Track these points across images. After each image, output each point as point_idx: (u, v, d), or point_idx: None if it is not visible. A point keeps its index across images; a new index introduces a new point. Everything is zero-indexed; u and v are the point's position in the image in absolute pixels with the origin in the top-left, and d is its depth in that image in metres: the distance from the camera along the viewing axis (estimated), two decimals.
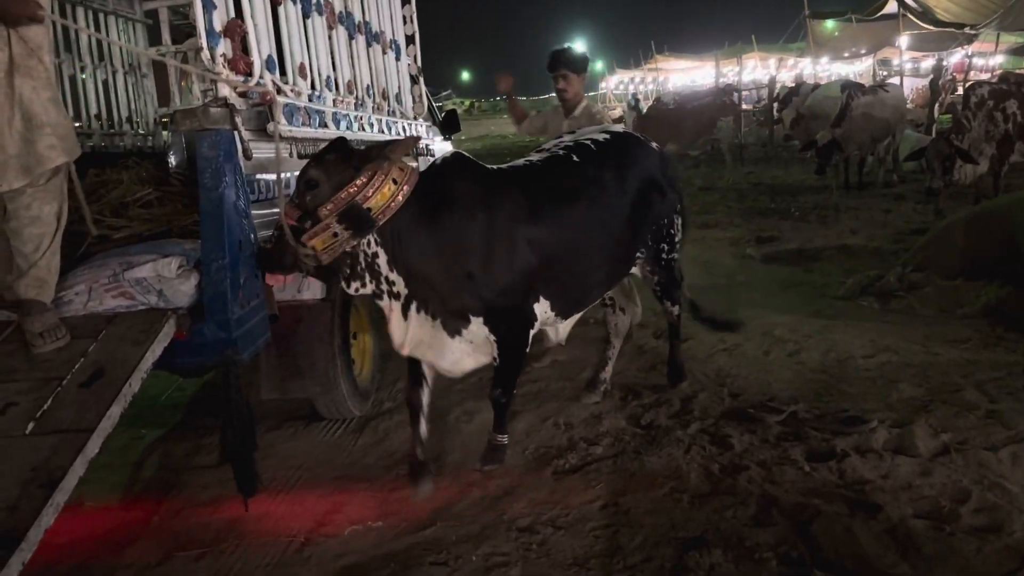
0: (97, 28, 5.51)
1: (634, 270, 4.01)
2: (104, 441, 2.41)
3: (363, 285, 3.09)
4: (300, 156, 3.60)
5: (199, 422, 4.53)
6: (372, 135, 4.58)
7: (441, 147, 7.11)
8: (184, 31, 5.71)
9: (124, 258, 2.93)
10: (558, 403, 4.24)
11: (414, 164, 3.11)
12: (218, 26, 3.07)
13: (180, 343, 2.86)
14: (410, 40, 5.85)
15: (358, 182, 2.86)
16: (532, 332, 3.35)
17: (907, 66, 23.58)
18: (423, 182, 3.06)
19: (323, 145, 3.09)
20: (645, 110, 17.70)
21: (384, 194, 2.88)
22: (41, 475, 2.17)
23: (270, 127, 3.20)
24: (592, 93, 64.74)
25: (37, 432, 2.33)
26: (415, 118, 5.81)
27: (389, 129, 4.94)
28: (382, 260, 3.02)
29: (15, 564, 1.92)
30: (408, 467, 3.46)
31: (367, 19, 4.95)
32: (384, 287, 3.10)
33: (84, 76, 5.36)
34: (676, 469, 3.40)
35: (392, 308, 3.14)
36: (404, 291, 3.10)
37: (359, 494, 3.50)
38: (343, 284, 3.11)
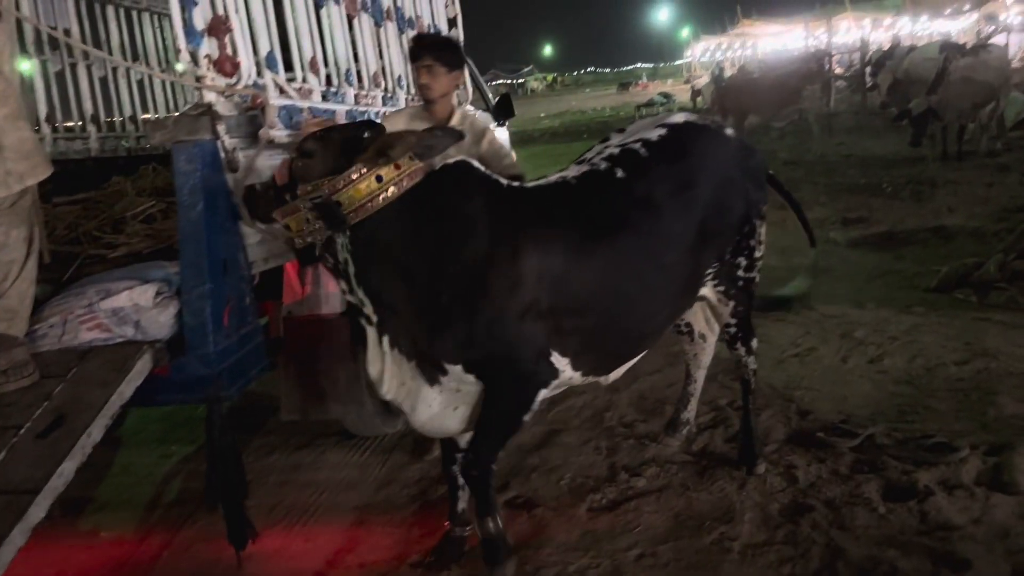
0: (129, 26, 5.38)
1: (705, 291, 3.18)
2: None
3: (347, 291, 2.58)
4: None
5: None
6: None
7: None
8: None
9: (102, 285, 2.68)
10: (603, 423, 3.85)
11: (418, 165, 2.59)
12: (200, 24, 2.77)
13: (160, 379, 2.60)
14: (452, 23, 5.49)
15: (352, 175, 2.42)
16: (542, 394, 2.65)
17: (1016, 20, 21.75)
18: (418, 187, 2.52)
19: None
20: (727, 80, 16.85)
21: (359, 190, 2.42)
22: None
23: (263, 132, 2.91)
24: (678, 62, 62.91)
25: None
26: (459, 105, 5.45)
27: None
28: (351, 271, 2.51)
29: None
30: (442, 539, 2.99)
31: (398, 4, 4.61)
32: (355, 303, 2.58)
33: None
34: (728, 509, 2.98)
35: (368, 334, 2.60)
36: (373, 316, 2.56)
37: (376, 530, 3.22)
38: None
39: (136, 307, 2.60)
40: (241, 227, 2.84)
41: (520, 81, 67.84)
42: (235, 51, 2.90)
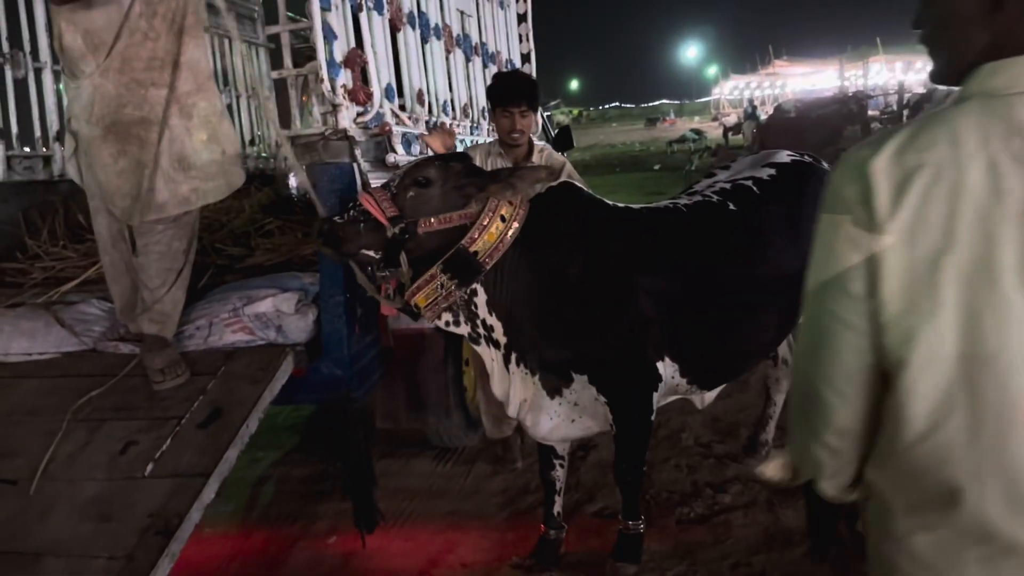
0: (221, 53, 5.70)
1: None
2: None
3: (456, 323, 2.68)
4: None
5: (316, 446, 4.54)
6: None
7: None
8: (304, 54, 5.81)
9: (244, 292, 2.91)
10: (680, 443, 4.02)
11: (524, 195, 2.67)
12: (339, 56, 3.04)
13: (297, 380, 2.81)
14: (525, 59, 5.76)
15: (469, 211, 2.53)
16: (656, 396, 2.82)
17: None
18: (531, 215, 2.66)
19: None
20: (763, 118, 17.08)
21: (492, 235, 2.52)
22: (158, 522, 2.14)
23: (389, 158, 3.15)
24: (705, 99, 63.13)
25: (156, 475, 2.31)
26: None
27: None
28: (480, 299, 2.63)
29: None
30: (539, 542, 3.12)
31: (483, 40, 4.88)
32: (481, 331, 2.70)
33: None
34: None
35: (493, 358, 2.75)
36: (503, 339, 2.71)
37: (472, 533, 3.38)
38: (433, 319, 2.64)
39: (278, 313, 2.83)
40: None
41: (547, 115, 68.33)
42: (367, 82, 3.16)
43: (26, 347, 2.97)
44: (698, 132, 31.41)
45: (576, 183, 2.96)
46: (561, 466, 3.09)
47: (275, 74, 5.64)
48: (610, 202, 2.94)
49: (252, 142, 5.80)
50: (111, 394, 2.66)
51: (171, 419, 2.53)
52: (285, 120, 6.17)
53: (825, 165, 3.37)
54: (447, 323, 2.67)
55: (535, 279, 2.66)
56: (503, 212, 2.55)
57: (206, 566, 3.34)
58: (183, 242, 2.77)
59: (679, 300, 2.79)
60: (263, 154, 5.86)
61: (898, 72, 28.65)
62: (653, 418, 2.86)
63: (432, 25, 3.95)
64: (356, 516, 3.06)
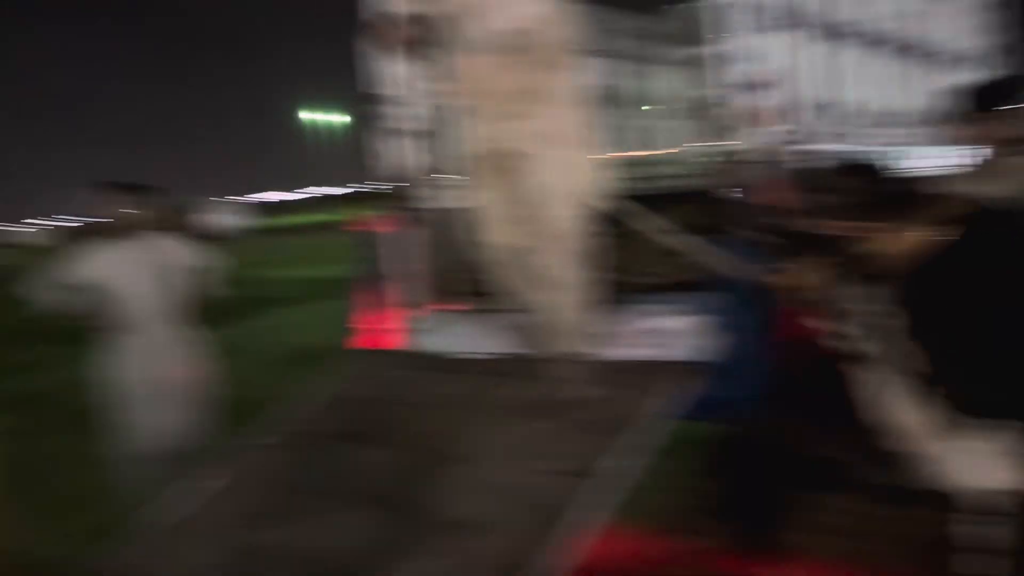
0: (641, 76, 5.97)
1: None
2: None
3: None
4: None
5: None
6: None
7: None
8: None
9: (646, 308, 3.05)
10: None
11: None
12: (755, 77, 3.01)
13: (693, 397, 2.86)
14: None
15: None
16: None
17: None
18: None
19: None
20: None
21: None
22: (548, 512, 2.36)
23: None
24: None
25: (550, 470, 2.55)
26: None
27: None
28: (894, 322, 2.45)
29: None
30: None
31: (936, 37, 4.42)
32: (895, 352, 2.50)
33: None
34: None
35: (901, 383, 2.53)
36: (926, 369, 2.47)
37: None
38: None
39: (679, 331, 2.90)
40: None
41: None
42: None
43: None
44: None
45: None
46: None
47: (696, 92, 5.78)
48: None
49: (668, 161, 5.92)
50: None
51: (576, 424, 2.75)
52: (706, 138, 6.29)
53: None
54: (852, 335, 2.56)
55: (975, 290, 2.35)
56: None
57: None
58: (571, 267, 2.99)
59: None
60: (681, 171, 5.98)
61: None
62: None
63: (869, 33, 3.70)
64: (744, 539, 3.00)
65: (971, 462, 2.47)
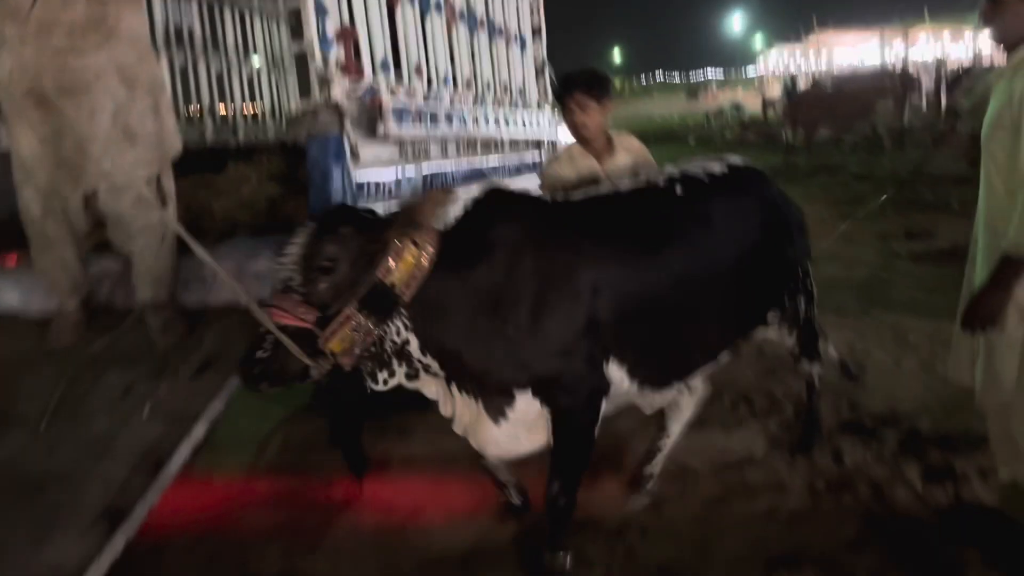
0: (242, 25, 5.92)
1: (770, 334, 3.32)
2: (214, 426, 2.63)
3: (392, 375, 2.53)
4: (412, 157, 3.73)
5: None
6: (487, 129, 4.66)
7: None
8: None
9: (244, 251, 3.14)
10: None
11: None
12: (331, 32, 3.22)
13: None
14: (536, 32, 5.88)
15: (389, 260, 2.34)
16: (603, 405, 2.65)
17: None
18: (451, 233, 2.52)
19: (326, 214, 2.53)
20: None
21: (407, 262, 2.34)
22: (150, 458, 2.39)
23: (380, 129, 3.33)
24: (751, 75, 61.82)
25: (151, 418, 2.56)
26: (539, 108, 5.85)
27: (506, 122, 5.00)
28: (413, 346, 2.48)
29: (119, 538, 2.13)
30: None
31: (490, 15, 5.02)
32: (419, 366, 2.55)
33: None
34: (778, 483, 3.29)
35: (436, 383, 2.63)
36: (441, 372, 2.57)
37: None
38: (368, 382, 2.52)
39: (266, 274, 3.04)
40: None
41: None
42: (359, 56, 3.34)
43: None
44: (737, 106, 31.05)
45: (502, 187, 2.78)
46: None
47: (296, 46, 5.89)
48: (549, 198, 2.88)
49: (273, 113, 6.03)
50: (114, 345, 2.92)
51: (167, 369, 2.78)
52: (307, 92, 6.44)
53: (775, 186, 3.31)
54: (385, 381, 2.53)
55: (464, 301, 2.48)
56: (414, 237, 2.39)
57: (211, 510, 3.61)
58: (153, 213, 2.93)
59: (626, 292, 2.62)
60: (283, 125, 6.09)
61: (946, 42, 28.00)
62: (596, 431, 2.67)
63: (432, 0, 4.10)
64: (347, 465, 3.30)
65: (492, 439, 2.67)
